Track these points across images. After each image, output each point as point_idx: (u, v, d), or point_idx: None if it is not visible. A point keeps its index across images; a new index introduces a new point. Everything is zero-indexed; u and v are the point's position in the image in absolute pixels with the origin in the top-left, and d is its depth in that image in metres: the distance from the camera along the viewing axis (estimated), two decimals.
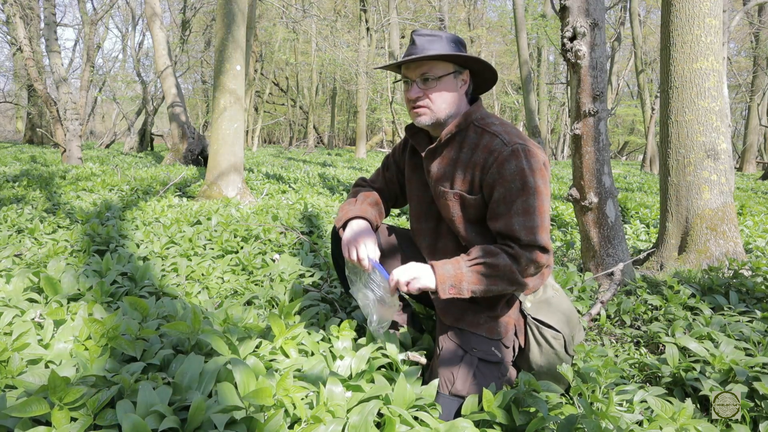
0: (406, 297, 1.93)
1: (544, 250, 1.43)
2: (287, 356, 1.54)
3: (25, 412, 1.07)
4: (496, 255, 1.41)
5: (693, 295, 2.41)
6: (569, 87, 2.68)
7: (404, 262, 1.80)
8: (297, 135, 33.34)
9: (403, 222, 4.48)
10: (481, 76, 1.59)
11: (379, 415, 1.31)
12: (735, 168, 17.13)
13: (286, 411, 1.21)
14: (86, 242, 2.85)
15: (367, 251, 1.56)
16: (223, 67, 5.25)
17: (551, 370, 1.55)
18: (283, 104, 32.91)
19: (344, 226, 1.68)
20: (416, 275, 1.42)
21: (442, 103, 1.50)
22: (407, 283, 1.42)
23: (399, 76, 1.61)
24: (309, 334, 1.72)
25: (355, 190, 1.85)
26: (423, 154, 1.61)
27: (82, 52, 17.52)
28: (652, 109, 15.02)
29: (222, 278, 2.58)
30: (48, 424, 1.10)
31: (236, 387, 1.22)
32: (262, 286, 2.45)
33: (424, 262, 1.79)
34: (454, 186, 1.53)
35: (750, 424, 1.38)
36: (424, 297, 1.82)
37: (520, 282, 1.42)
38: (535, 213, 1.41)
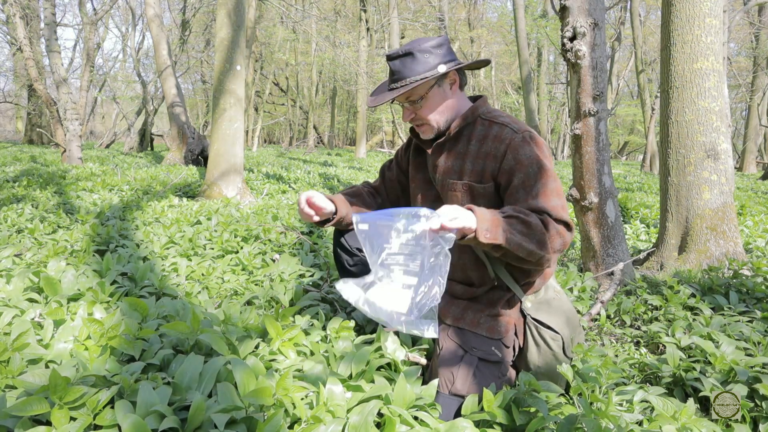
0: None
1: (569, 226, 1.44)
2: (286, 357, 1.54)
3: (25, 411, 1.07)
4: (528, 215, 1.39)
5: (693, 295, 2.41)
6: (569, 87, 2.68)
7: None
8: (297, 135, 33.34)
9: None
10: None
11: (379, 415, 1.31)
12: (735, 168, 17.13)
13: (286, 411, 1.21)
14: (86, 242, 2.85)
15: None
16: (223, 67, 5.25)
17: (549, 371, 1.54)
18: (283, 104, 32.89)
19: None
20: (456, 215, 1.28)
21: (435, 114, 1.56)
22: (450, 222, 1.27)
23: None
24: (308, 334, 1.72)
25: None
26: (429, 151, 1.63)
27: (82, 52, 17.53)
28: (652, 109, 15.00)
29: (222, 278, 2.58)
30: (48, 423, 1.10)
31: (236, 387, 1.22)
32: (262, 286, 2.45)
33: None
34: (463, 177, 1.55)
35: (750, 424, 1.38)
36: None
37: (548, 247, 1.38)
38: (555, 193, 1.44)
